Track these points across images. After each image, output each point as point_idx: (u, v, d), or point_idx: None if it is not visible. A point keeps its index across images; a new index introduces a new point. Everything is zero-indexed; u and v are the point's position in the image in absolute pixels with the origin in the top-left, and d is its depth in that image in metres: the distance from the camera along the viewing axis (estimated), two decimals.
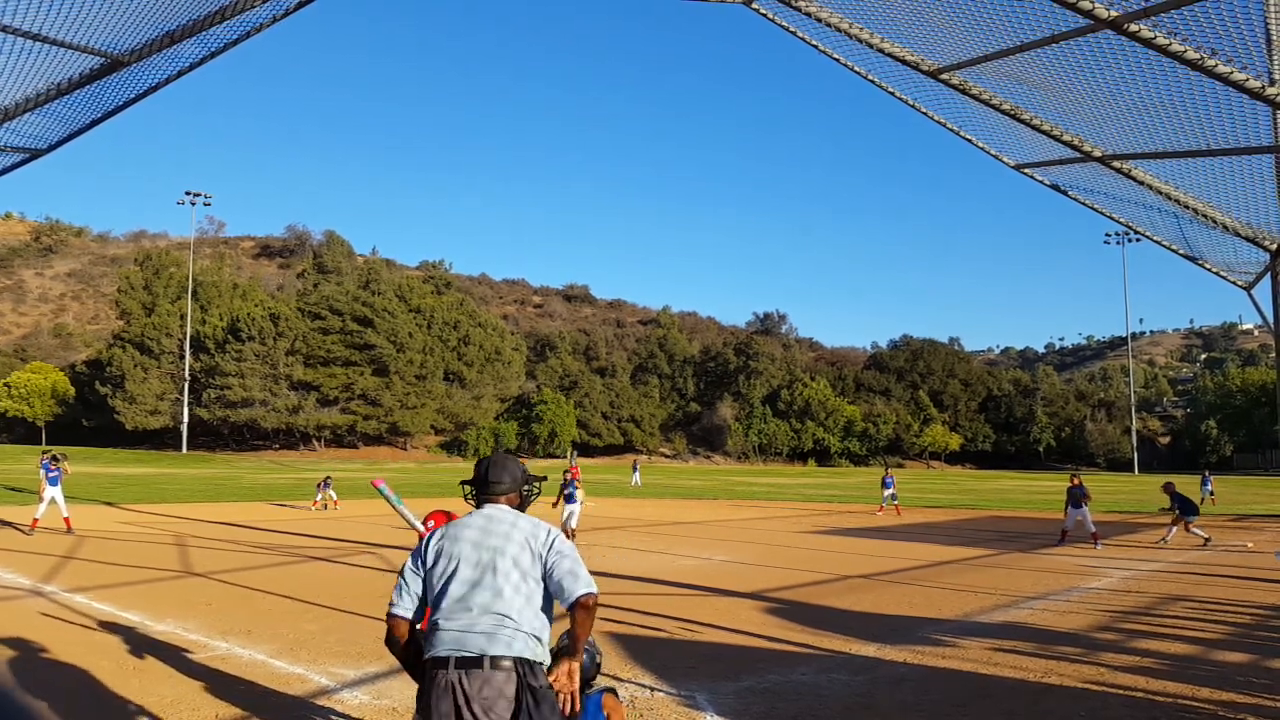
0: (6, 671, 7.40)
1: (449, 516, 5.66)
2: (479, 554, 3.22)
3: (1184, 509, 19.65)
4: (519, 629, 3.10)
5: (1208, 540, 19.38)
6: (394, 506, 5.48)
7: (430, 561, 3.30)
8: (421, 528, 5.31)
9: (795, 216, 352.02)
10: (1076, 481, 20.03)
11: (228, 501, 30.12)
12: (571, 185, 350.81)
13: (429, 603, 3.27)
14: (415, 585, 3.30)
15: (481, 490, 3.50)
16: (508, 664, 3.04)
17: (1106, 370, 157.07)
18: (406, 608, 3.30)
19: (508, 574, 3.17)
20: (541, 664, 3.14)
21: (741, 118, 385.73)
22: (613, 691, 4.02)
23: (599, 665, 4.20)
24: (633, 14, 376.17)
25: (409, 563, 3.37)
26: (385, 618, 3.41)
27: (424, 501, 31.33)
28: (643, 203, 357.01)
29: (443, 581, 3.22)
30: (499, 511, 3.40)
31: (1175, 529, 19.78)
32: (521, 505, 3.55)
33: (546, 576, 3.23)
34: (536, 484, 3.70)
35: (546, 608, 3.27)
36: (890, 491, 29.03)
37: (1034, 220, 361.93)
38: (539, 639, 3.16)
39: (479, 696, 2.99)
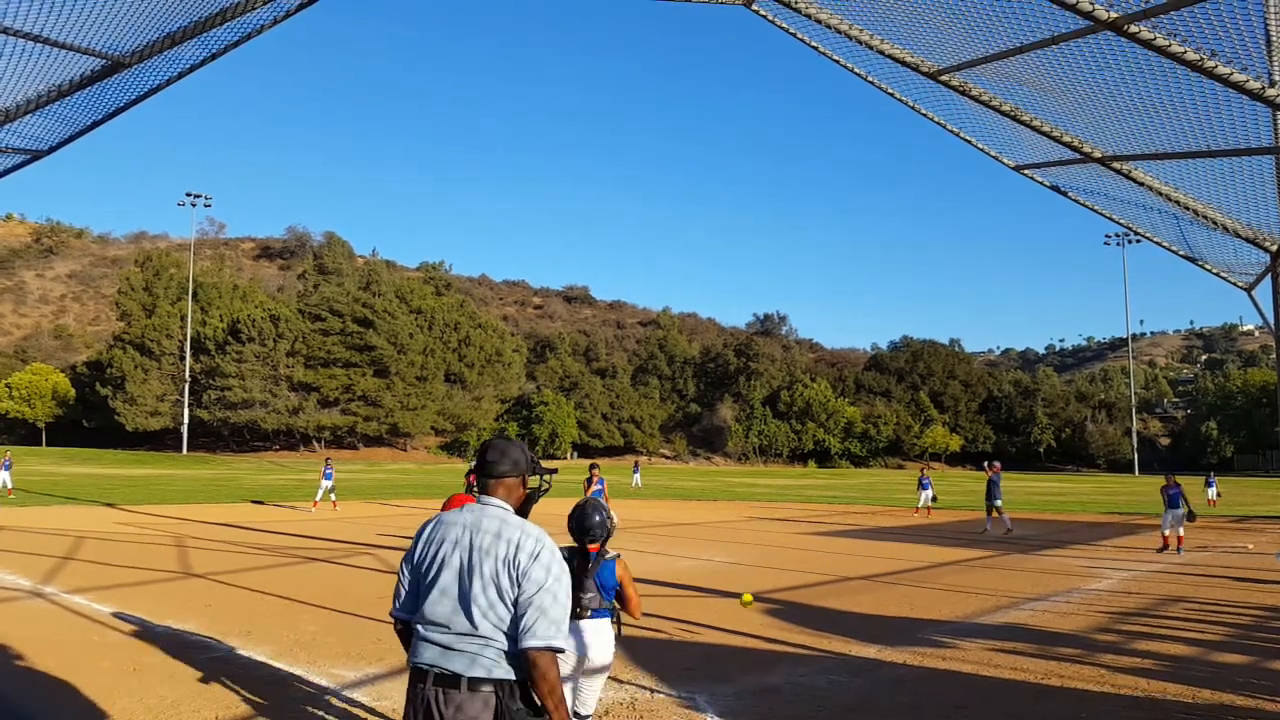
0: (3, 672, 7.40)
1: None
2: (460, 562, 3.02)
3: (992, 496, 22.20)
4: (493, 646, 2.95)
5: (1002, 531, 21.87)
6: None
7: (419, 559, 3.13)
8: None
9: (795, 217, 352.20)
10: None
11: (227, 502, 30.11)
12: (572, 186, 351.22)
13: (416, 605, 3.12)
14: (410, 588, 3.15)
15: (480, 473, 3.25)
16: (486, 688, 2.92)
17: (1107, 371, 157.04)
18: (408, 609, 3.15)
19: (487, 589, 2.96)
20: (519, 683, 2.98)
21: (742, 119, 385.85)
22: (620, 558, 5.08)
23: (611, 530, 5.07)
24: (633, 15, 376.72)
25: (403, 564, 3.21)
26: (391, 619, 3.27)
27: (423, 502, 31.31)
28: (643, 204, 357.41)
29: (425, 590, 3.05)
30: (490, 511, 3.14)
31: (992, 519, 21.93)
32: (528, 501, 3.31)
33: (517, 600, 2.97)
34: (548, 478, 3.45)
35: None
36: (929, 492, 28.93)
37: (1034, 221, 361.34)
38: (517, 657, 3.00)
39: (454, 718, 2.89)
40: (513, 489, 3.23)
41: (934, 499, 29.14)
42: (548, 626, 2.92)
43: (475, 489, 3.35)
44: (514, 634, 2.95)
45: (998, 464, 23.02)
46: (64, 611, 10.20)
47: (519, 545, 3.01)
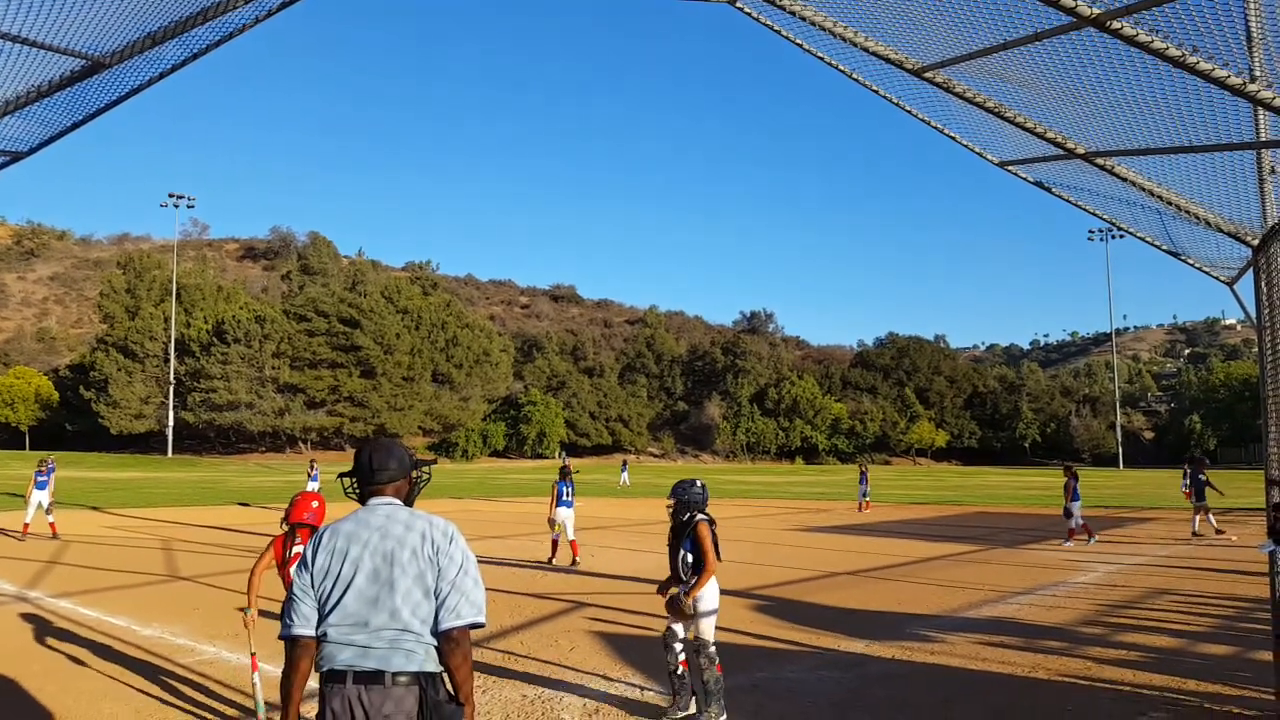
0: None
1: (315, 498, 5.94)
2: (374, 562, 2.99)
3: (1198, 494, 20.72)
4: (419, 640, 2.94)
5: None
6: None
7: (319, 571, 3.05)
8: None
9: (781, 215, 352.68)
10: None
11: (214, 505, 29.94)
12: (557, 185, 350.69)
13: (321, 615, 3.03)
14: (311, 600, 3.05)
15: (366, 481, 3.22)
16: (409, 679, 2.90)
17: (1091, 366, 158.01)
18: (309, 626, 3.02)
19: (405, 583, 2.96)
20: (442, 675, 2.99)
21: (727, 117, 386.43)
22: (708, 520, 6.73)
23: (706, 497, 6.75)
24: (617, 15, 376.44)
25: (297, 577, 3.09)
26: (284, 640, 3.08)
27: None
28: (629, 203, 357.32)
29: (335, 594, 2.99)
30: (388, 509, 3.15)
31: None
32: (410, 495, 3.33)
33: (436, 585, 3.00)
34: (426, 469, 3.46)
35: None
36: (863, 488, 30.07)
37: (1018, 217, 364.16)
38: (439, 649, 3.00)
39: (379, 713, 2.86)
40: (401, 489, 3.27)
41: (865, 495, 30.00)
42: (470, 605, 2.98)
43: (354, 494, 3.33)
44: (435, 620, 2.96)
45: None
46: (50, 616, 10.12)
47: (434, 531, 3.07)
